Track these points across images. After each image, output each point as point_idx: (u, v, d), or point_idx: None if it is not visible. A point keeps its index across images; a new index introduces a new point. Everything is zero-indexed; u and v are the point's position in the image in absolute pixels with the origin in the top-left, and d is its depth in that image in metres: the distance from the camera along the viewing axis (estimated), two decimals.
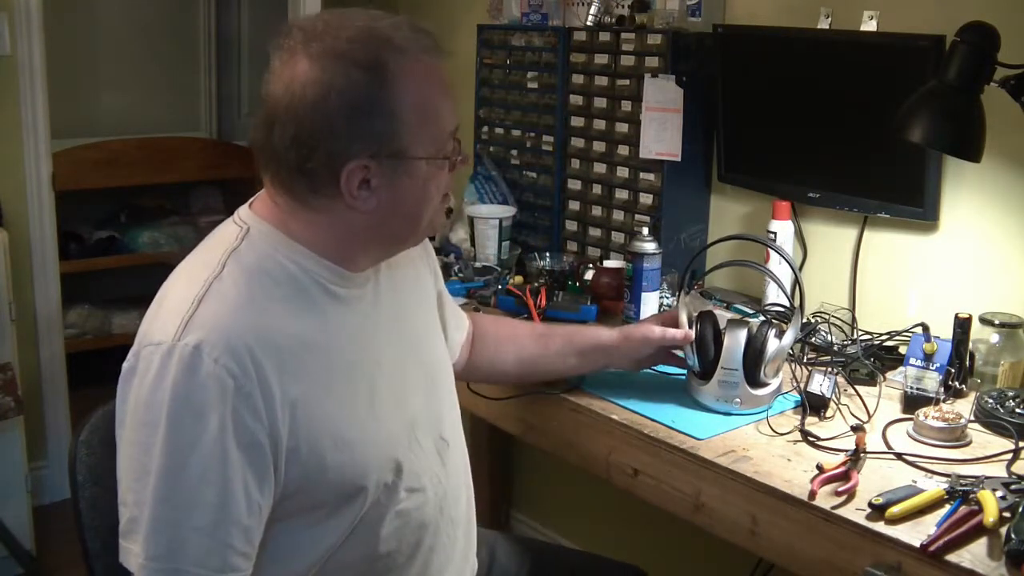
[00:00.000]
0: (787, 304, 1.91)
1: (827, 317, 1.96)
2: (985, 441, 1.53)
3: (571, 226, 2.48)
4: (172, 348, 1.07)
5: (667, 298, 2.08)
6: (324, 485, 1.16)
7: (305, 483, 1.14)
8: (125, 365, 1.12)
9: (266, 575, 1.15)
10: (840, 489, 1.36)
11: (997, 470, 1.43)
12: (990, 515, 1.25)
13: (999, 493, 1.30)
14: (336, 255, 1.21)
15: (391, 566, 1.26)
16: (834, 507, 1.33)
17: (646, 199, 2.28)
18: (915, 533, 1.26)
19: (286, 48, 1.15)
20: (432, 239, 1.89)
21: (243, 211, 1.24)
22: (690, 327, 1.64)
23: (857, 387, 1.71)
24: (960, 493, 1.32)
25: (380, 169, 1.15)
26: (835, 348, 1.86)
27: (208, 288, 1.12)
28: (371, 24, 1.16)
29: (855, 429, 1.50)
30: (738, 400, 1.61)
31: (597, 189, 2.39)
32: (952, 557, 1.21)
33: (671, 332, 1.64)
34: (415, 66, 1.16)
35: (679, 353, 1.68)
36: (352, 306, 1.24)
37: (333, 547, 1.20)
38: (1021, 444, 1.48)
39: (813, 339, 1.89)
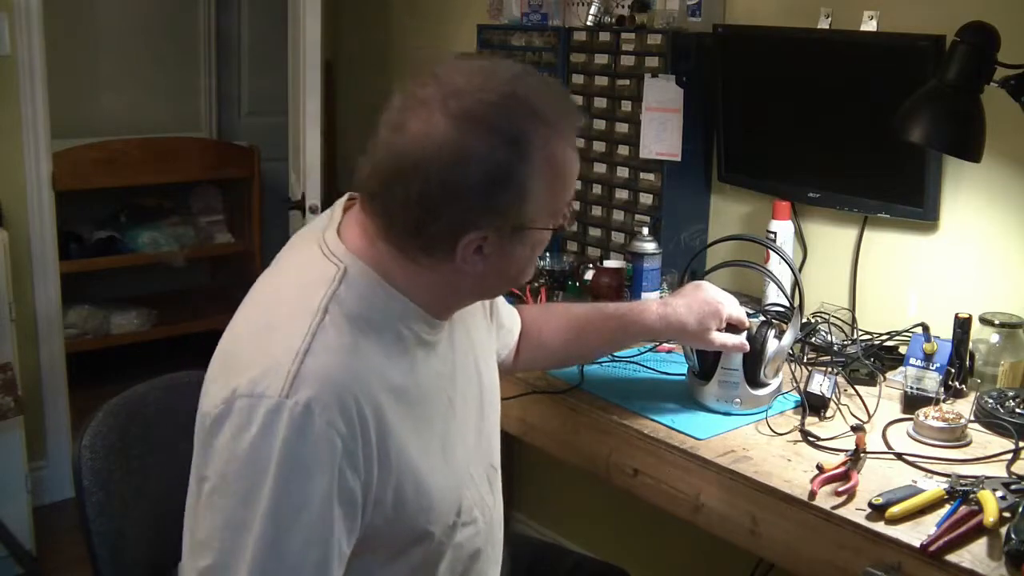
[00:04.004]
0: (787, 304, 1.91)
1: (827, 317, 1.96)
2: (985, 441, 1.53)
3: (571, 226, 2.47)
4: (280, 406, 1.02)
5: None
6: (398, 530, 1.15)
7: (382, 528, 1.12)
8: (214, 411, 1.06)
9: None
10: (840, 489, 1.36)
11: (997, 470, 1.43)
12: (990, 515, 1.25)
13: (999, 493, 1.30)
14: (431, 307, 1.17)
15: None
16: (834, 507, 1.33)
17: (646, 199, 2.28)
18: (915, 533, 1.26)
19: (418, 98, 1.08)
20: None
21: (333, 243, 1.16)
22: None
23: (857, 387, 1.71)
24: (960, 493, 1.32)
25: (499, 239, 1.11)
26: (835, 348, 1.86)
27: (313, 339, 1.07)
28: (515, 88, 1.09)
29: (855, 429, 1.50)
30: (738, 400, 1.61)
31: (597, 189, 2.39)
32: (952, 557, 1.21)
33: (723, 338, 1.58)
34: (556, 141, 1.10)
35: (725, 340, 1.59)
36: (436, 350, 1.21)
37: None
38: (1021, 444, 1.48)
39: (813, 339, 1.89)
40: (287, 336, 1.07)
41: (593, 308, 1.64)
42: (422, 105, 1.07)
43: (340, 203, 1.24)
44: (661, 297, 2.05)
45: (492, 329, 1.45)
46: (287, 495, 1.02)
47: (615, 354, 1.85)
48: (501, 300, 1.52)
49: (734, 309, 1.59)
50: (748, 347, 1.59)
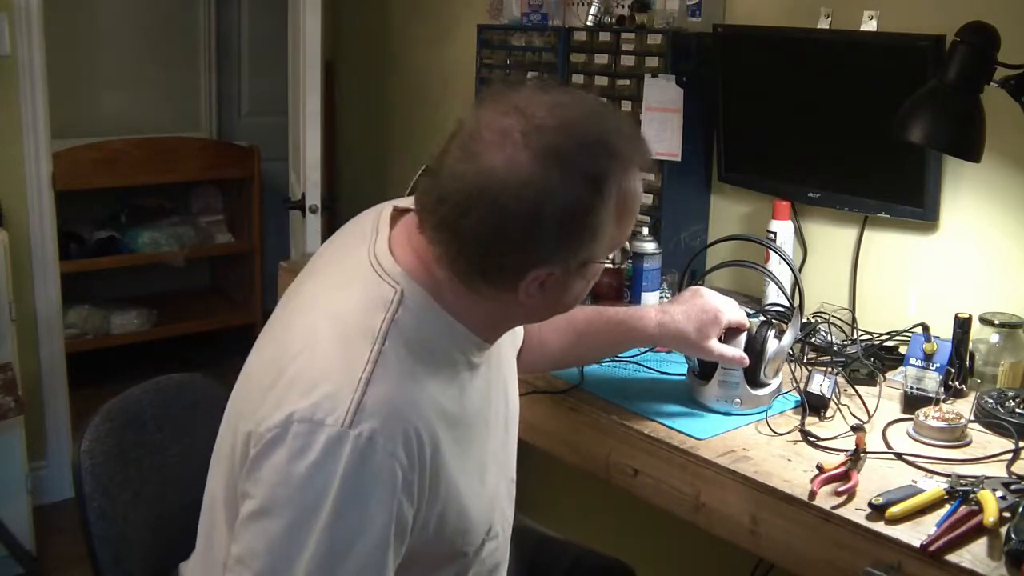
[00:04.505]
0: (787, 304, 1.91)
1: (827, 317, 1.96)
2: (985, 441, 1.53)
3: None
4: (342, 436, 1.01)
5: (667, 298, 2.08)
6: (434, 552, 1.15)
7: (420, 551, 1.12)
8: (267, 434, 1.03)
9: None
10: (840, 489, 1.36)
11: (997, 470, 1.43)
12: (990, 515, 1.25)
13: (999, 493, 1.30)
14: (483, 332, 1.17)
15: None
16: (834, 507, 1.33)
17: (646, 199, 2.28)
18: (915, 533, 1.26)
19: (499, 129, 1.04)
20: None
21: (387, 261, 1.13)
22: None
23: (857, 387, 1.71)
24: (960, 493, 1.32)
25: (564, 274, 1.10)
26: (835, 348, 1.86)
27: (375, 367, 1.05)
28: (597, 126, 1.07)
29: (855, 429, 1.50)
30: (738, 400, 1.61)
31: None
32: (952, 557, 1.21)
33: (722, 349, 1.57)
34: (630, 180, 1.09)
35: (724, 352, 1.58)
36: (479, 371, 1.21)
37: None
38: (1021, 444, 1.48)
39: (813, 339, 1.88)
40: (347, 361, 1.05)
41: (593, 312, 1.63)
42: (503, 137, 1.04)
43: (386, 214, 1.21)
44: (661, 299, 2.06)
45: (513, 339, 1.45)
46: (345, 524, 1.01)
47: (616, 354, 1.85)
48: None
49: (733, 313, 1.58)
50: (747, 361, 1.58)
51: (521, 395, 1.75)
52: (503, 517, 1.30)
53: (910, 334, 1.81)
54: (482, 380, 1.22)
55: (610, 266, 1.21)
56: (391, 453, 1.02)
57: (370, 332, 1.07)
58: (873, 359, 1.81)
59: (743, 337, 1.59)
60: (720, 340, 1.58)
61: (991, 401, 1.60)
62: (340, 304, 1.12)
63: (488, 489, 1.23)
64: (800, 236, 2.14)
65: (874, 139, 1.85)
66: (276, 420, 1.03)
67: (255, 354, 1.18)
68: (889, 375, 1.78)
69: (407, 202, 1.20)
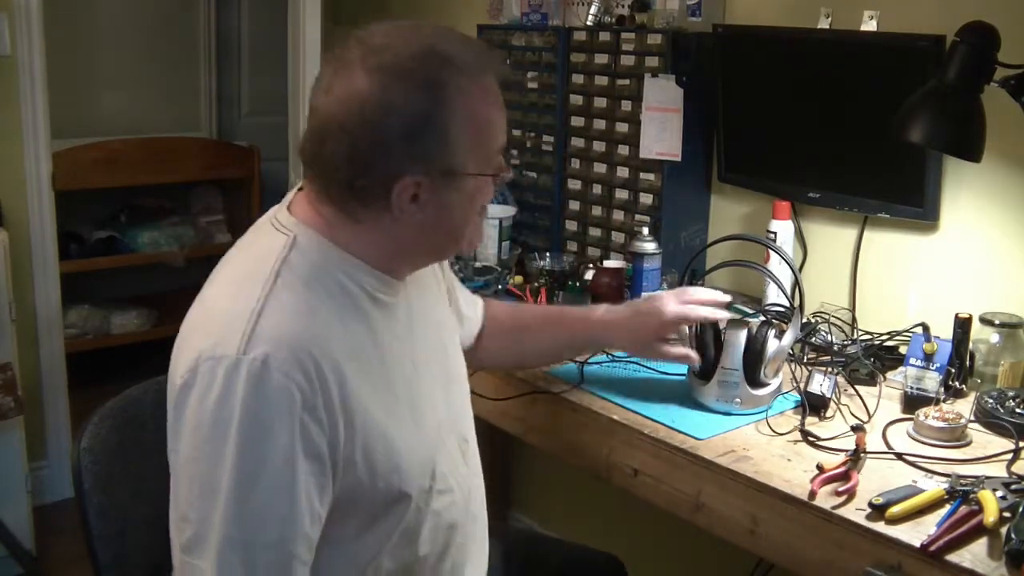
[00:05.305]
0: (787, 304, 1.91)
1: (827, 317, 1.96)
2: (985, 441, 1.53)
3: (571, 226, 2.48)
4: (238, 362, 1.06)
5: None
6: (372, 493, 1.17)
7: (355, 491, 1.15)
8: (179, 381, 1.10)
9: None
10: (840, 489, 1.36)
11: (997, 470, 1.43)
12: (990, 515, 1.25)
13: (999, 493, 1.30)
14: (381, 264, 1.21)
15: (426, 568, 1.27)
16: (834, 507, 1.33)
17: (646, 199, 2.28)
18: (915, 533, 1.26)
19: (343, 59, 1.13)
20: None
21: (283, 216, 1.21)
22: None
23: (857, 387, 1.71)
24: (960, 493, 1.32)
25: (431, 185, 1.15)
26: (835, 348, 1.86)
27: (266, 299, 1.11)
28: (432, 41, 1.14)
29: (855, 429, 1.50)
30: (738, 400, 1.62)
31: (597, 189, 2.39)
32: (952, 557, 1.21)
33: (666, 349, 1.61)
34: (472, 85, 1.15)
35: (671, 352, 1.62)
36: (392, 312, 1.24)
37: (377, 555, 1.20)
38: (1021, 444, 1.48)
39: (813, 339, 1.89)
40: (238, 300, 1.12)
41: (541, 309, 1.71)
42: (345, 67, 1.12)
43: (294, 188, 1.28)
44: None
45: (453, 314, 1.49)
46: (249, 449, 1.05)
47: (615, 354, 1.85)
48: (461, 289, 1.57)
49: (676, 308, 1.57)
50: (697, 357, 1.61)
51: (521, 395, 1.76)
52: (455, 471, 1.32)
53: (910, 334, 1.81)
54: (400, 324, 1.26)
55: (498, 174, 1.23)
56: (285, 374, 1.06)
57: (262, 273, 1.14)
58: (873, 359, 1.81)
59: (743, 334, 1.60)
60: (690, 342, 1.62)
61: (991, 401, 1.60)
62: (241, 262, 1.21)
63: (426, 431, 1.26)
64: (800, 236, 2.14)
65: (874, 139, 1.85)
66: (187, 365, 1.10)
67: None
68: (889, 375, 1.78)
69: None
